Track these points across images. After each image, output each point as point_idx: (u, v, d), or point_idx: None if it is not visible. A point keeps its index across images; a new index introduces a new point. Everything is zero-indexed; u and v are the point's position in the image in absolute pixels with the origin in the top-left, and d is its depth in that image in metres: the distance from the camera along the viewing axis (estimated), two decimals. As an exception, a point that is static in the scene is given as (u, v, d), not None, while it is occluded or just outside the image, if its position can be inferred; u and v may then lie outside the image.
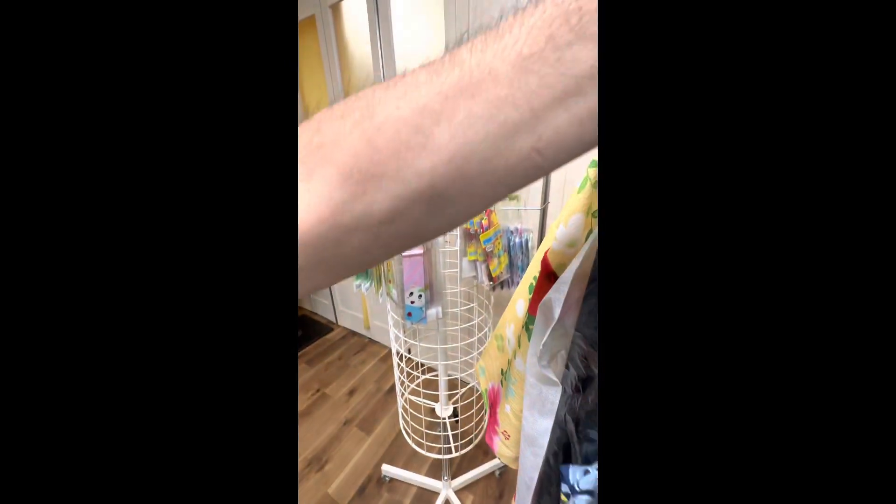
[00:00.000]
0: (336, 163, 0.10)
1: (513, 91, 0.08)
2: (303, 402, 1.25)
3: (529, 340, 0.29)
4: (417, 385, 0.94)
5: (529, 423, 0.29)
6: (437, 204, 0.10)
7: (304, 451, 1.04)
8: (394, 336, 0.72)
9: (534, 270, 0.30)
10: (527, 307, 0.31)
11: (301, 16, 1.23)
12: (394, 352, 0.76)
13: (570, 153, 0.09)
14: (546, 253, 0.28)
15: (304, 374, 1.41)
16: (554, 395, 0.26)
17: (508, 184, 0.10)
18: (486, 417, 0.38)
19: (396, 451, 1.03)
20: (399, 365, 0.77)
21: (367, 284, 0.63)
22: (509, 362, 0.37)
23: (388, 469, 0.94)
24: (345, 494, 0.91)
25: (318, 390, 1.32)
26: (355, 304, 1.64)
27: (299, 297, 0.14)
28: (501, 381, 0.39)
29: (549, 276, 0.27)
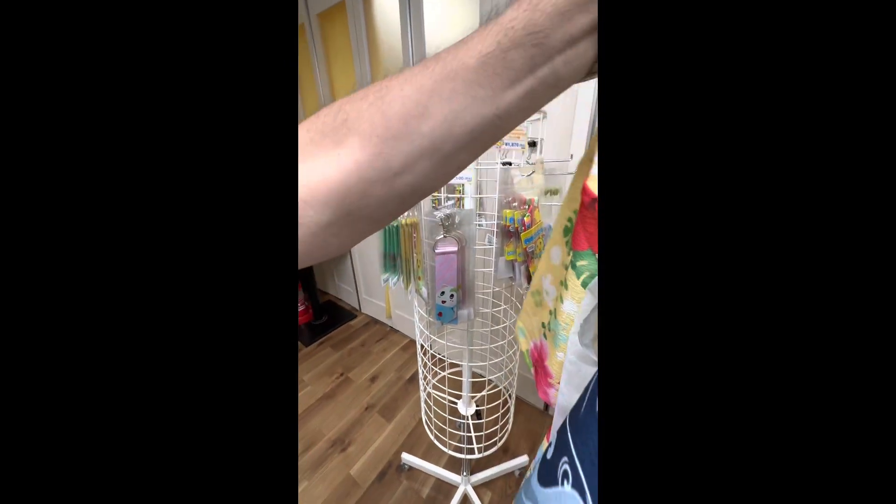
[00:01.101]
0: (359, 132, 0.14)
1: (478, 76, 0.13)
2: (327, 385, 1.31)
3: (578, 277, 0.27)
4: (440, 381, 0.95)
5: (566, 396, 0.28)
6: (437, 157, 0.14)
7: (329, 432, 1.09)
8: (419, 331, 0.71)
9: (570, 208, 0.29)
10: (564, 249, 0.30)
11: (332, 1, 1.21)
12: (418, 346, 0.76)
13: (520, 119, 0.14)
14: (586, 181, 0.24)
15: (329, 358, 1.47)
16: (591, 375, 0.25)
17: (483, 140, 0.14)
18: (533, 376, 0.38)
19: (415, 441, 1.05)
20: (423, 359, 0.77)
21: (395, 279, 0.62)
22: (552, 312, 0.35)
23: (407, 458, 0.96)
24: (366, 477, 0.95)
25: (341, 374, 1.36)
26: (378, 294, 1.67)
27: (328, 256, 0.16)
28: (544, 335, 0.38)
29: (592, 203, 0.25)
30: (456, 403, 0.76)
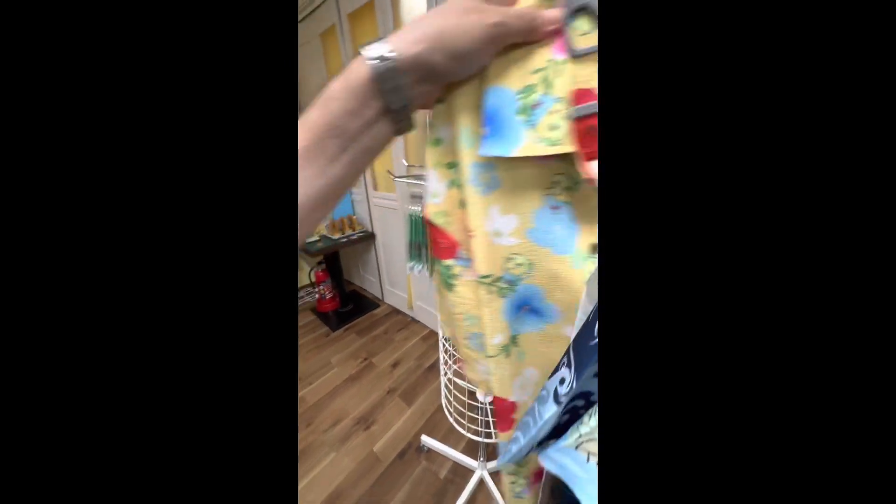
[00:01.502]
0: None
1: (305, 161, 0.16)
2: (352, 368, 1.38)
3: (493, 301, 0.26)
4: (459, 367, 0.98)
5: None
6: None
7: (353, 412, 1.16)
8: (441, 321, 0.74)
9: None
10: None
11: (361, 1, 1.26)
12: (440, 334, 0.79)
13: (351, 181, 0.19)
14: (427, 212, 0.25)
15: (354, 344, 1.55)
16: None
17: (326, 203, 0.18)
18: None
19: (434, 426, 1.09)
20: (444, 345, 0.80)
21: (420, 267, 0.65)
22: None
23: (426, 440, 1.00)
24: (387, 455, 1.00)
25: (365, 359, 1.44)
26: (401, 285, 1.73)
27: (324, 187, 0.18)
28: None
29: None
30: (475, 389, 0.78)
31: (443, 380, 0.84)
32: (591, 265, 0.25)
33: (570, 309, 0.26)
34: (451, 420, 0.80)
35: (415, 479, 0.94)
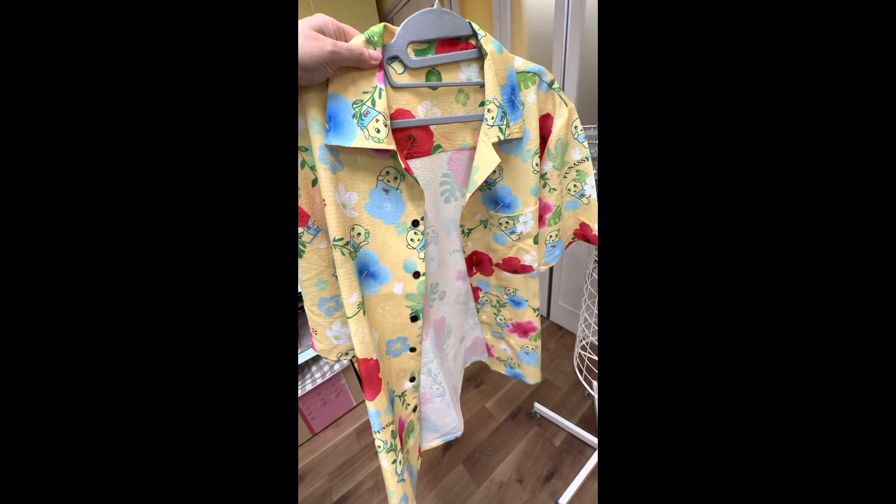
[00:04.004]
0: None
1: None
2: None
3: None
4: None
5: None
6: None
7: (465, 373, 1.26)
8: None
9: None
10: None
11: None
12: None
13: None
14: None
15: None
16: None
17: None
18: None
19: (542, 395, 1.10)
20: (586, 320, 0.79)
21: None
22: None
23: (539, 407, 1.02)
24: (499, 413, 1.06)
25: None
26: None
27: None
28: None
29: None
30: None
31: (576, 350, 0.83)
32: (412, 234, 0.36)
33: (398, 268, 0.37)
34: (585, 385, 0.79)
35: (530, 439, 0.97)
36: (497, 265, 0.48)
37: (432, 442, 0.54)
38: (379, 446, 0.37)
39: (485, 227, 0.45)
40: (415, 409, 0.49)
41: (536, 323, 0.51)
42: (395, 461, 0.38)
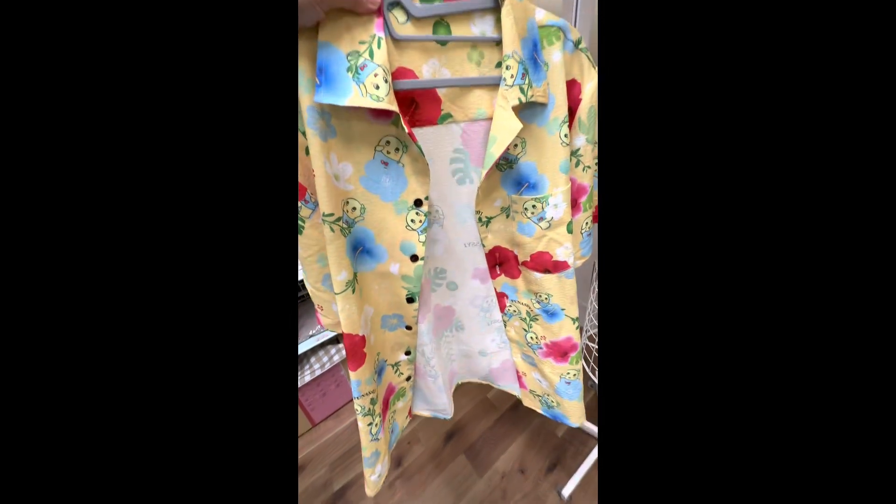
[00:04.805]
0: None
1: None
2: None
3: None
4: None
5: None
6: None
7: (463, 360, 1.24)
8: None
9: None
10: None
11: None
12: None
13: None
14: None
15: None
16: None
17: None
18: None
19: (545, 387, 1.09)
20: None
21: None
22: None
23: (541, 398, 1.01)
24: (502, 404, 1.05)
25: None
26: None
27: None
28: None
29: None
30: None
31: (582, 341, 0.80)
32: (413, 214, 0.32)
33: (395, 248, 0.34)
34: (590, 373, 0.77)
35: (532, 429, 0.96)
36: (524, 264, 0.39)
37: (423, 412, 0.52)
38: (357, 409, 0.37)
39: (507, 216, 0.37)
40: (408, 379, 0.46)
41: (577, 339, 0.40)
42: (370, 424, 0.39)
